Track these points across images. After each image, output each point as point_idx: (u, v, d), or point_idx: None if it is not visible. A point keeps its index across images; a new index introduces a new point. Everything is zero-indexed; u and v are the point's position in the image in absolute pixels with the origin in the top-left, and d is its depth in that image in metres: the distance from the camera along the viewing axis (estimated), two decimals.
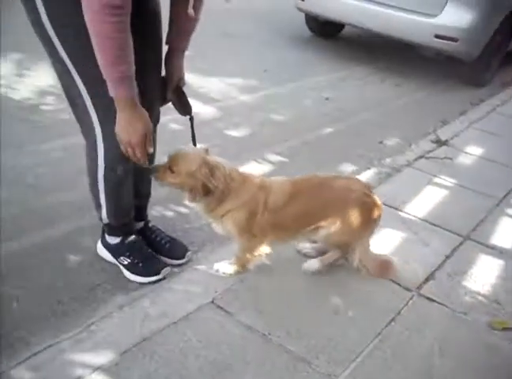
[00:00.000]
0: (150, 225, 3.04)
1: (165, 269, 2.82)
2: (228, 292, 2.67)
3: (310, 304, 2.67)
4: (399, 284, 2.87)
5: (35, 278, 2.78)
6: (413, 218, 3.49)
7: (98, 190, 2.64)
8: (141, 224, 3.01)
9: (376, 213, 2.73)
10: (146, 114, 2.25)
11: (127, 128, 2.21)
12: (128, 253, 2.82)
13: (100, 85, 2.21)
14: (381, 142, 4.95)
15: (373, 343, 2.47)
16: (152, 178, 2.50)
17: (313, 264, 2.84)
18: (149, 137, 2.28)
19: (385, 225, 3.31)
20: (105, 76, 2.06)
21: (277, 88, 5.90)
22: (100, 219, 2.77)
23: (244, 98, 5.54)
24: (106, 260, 2.92)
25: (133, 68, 2.07)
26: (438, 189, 3.91)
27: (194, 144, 2.64)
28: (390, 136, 5.12)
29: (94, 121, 2.39)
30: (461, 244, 3.28)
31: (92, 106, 2.34)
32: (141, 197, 2.92)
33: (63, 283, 2.77)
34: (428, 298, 2.79)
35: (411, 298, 2.78)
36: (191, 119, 2.56)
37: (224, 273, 2.79)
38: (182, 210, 3.50)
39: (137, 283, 2.80)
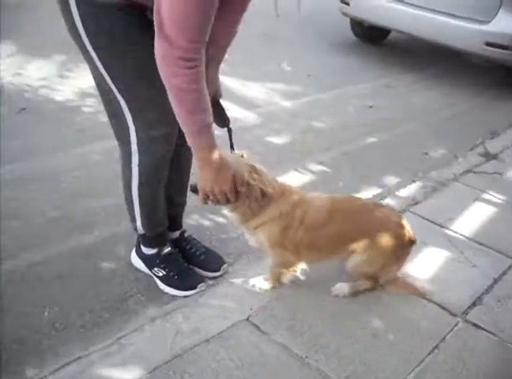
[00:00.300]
0: (186, 235, 2.96)
1: (201, 284, 2.74)
2: (264, 310, 2.57)
3: (349, 324, 2.54)
4: (444, 308, 2.71)
5: (67, 285, 2.74)
6: (459, 236, 3.32)
7: (132, 202, 2.58)
8: (177, 234, 2.93)
9: (409, 248, 2.67)
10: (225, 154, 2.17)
11: (216, 179, 2.13)
12: (163, 265, 2.74)
13: (135, 91, 2.16)
14: (426, 154, 4.77)
15: (414, 372, 2.33)
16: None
17: (342, 288, 2.71)
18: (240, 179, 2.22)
19: (430, 243, 3.18)
20: (182, 126, 2.02)
21: (320, 95, 5.77)
22: (135, 230, 2.71)
23: (286, 104, 5.43)
24: (139, 271, 2.86)
25: (211, 116, 2.02)
26: (487, 206, 3.72)
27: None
28: (436, 147, 4.93)
29: (130, 129, 2.33)
30: (510, 267, 3.10)
31: (128, 113, 2.28)
32: (177, 206, 2.85)
33: (95, 291, 2.72)
34: (475, 325, 2.63)
35: (456, 325, 2.62)
36: (229, 131, 2.46)
37: (260, 289, 2.69)
38: (220, 219, 3.41)
39: (170, 295, 2.73)
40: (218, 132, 2.70)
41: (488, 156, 4.50)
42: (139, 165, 2.43)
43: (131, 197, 2.56)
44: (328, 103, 5.65)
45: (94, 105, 4.57)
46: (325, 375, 2.26)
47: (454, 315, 2.68)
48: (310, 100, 5.62)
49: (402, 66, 7.06)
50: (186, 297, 2.71)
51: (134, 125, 2.32)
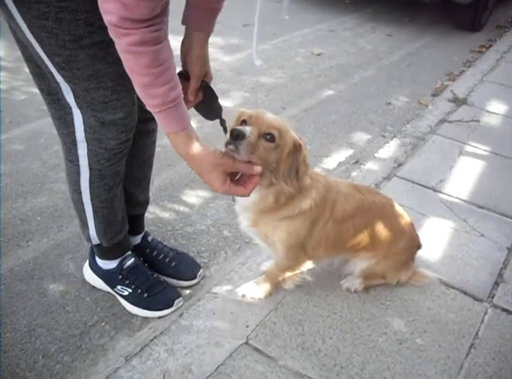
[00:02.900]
0: (149, 239, 2.39)
1: (178, 300, 2.21)
2: (264, 326, 2.08)
3: (367, 330, 2.11)
4: (466, 293, 2.33)
5: (7, 320, 2.14)
6: (456, 200, 2.94)
7: (82, 203, 2.00)
8: (138, 239, 2.37)
9: (416, 253, 2.31)
10: (207, 150, 1.63)
11: (197, 170, 1.67)
12: (128, 281, 2.19)
13: (78, 64, 1.62)
14: (389, 103, 4.35)
15: None
16: (237, 146, 1.64)
17: (355, 284, 2.28)
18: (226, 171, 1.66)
19: (429, 213, 2.79)
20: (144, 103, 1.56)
21: (262, 46, 5.17)
22: (88, 239, 2.13)
23: (227, 59, 4.82)
24: (97, 289, 2.29)
25: (177, 91, 1.53)
26: (474, 161, 3.36)
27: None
28: (396, 94, 4.53)
29: (73, 112, 1.77)
30: None
31: (69, 93, 1.71)
32: (138, 205, 2.28)
33: (45, 325, 2.14)
34: (505, 310, 2.27)
35: (485, 313, 2.24)
36: (222, 123, 1.88)
37: (252, 298, 2.19)
38: (181, 208, 2.86)
39: (141, 318, 2.19)
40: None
41: (458, 102, 4.13)
42: (88, 157, 1.86)
43: (81, 199, 1.99)
44: (272, 54, 5.09)
45: (7, 80, 3.79)
46: None
47: (480, 300, 2.30)
48: (252, 53, 5.02)
49: (343, 7, 6.56)
50: (161, 317, 2.18)
51: (78, 107, 1.74)
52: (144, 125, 2.00)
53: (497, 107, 4.12)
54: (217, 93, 1.92)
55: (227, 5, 1.84)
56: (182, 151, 1.61)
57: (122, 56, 1.45)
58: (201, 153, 1.61)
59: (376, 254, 2.14)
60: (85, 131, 1.80)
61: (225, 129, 1.84)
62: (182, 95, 1.57)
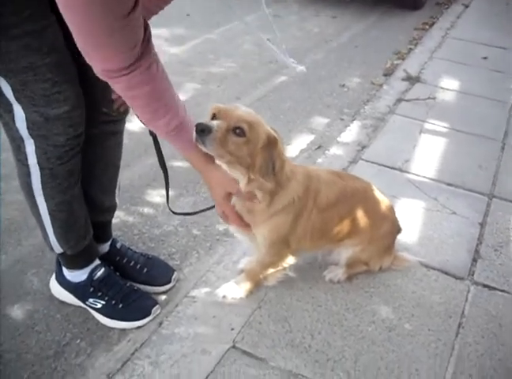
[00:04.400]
0: (118, 246, 2.26)
1: (155, 307, 2.10)
2: (249, 327, 1.99)
3: (356, 322, 2.05)
4: (447, 273, 2.31)
5: None
6: (424, 179, 2.93)
7: (37, 207, 1.86)
8: (106, 247, 2.23)
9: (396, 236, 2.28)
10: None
11: (210, 187, 1.80)
12: (100, 293, 2.06)
13: (11, 55, 1.50)
14: (342, 85, 4.31)
15: (451, 365, 1.91)
16: (204, 141, 1.59)
17: (338, 274, 2.22)
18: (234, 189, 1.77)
19: (399, 194, 2.76)
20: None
21: (208, 35, 5.06)
22: (51, 247, 1.97)
23: (175, 51, 4.67)
24: (67, 304, 2.14)
25: (177, 119, 1.59)
26: (435, 138, 3.36)
27: (162, 164, 1.91)
28: (349, 76, 4.50)
29: (14, 108, 1.64)
30: (488, 205, 2.77)
31: (6, 86, 1.58)
32: (104, 211, 2.15)
33: (14, 350, 1.98)
34: (487, 286, 2.26)
35: (468, 291, 2.23)
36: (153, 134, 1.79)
37: (233, 298, 2.10)
38: (146, 210, 2.73)
39: (118, 330, 2.06)
40: None
41: (411, 80, 4.13)
42: (37, 155, 1.72)
43: (35, 203, 1.84)
44: (220, 43, 4.97)
45: None
46: None
47: (461, 279, 2.29)
48: (199, 43, 4.90)
49: None
50: (139, 327, 2.06)
51: (19, 102, 1.61)
52: (108, 126, 1.87)
53: (450, 83, 4.15)
54: None
55: None
56: (198, 168, 1.74)
57: (126, 100, 1.54)
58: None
59: (361, 241, 2.09)
60: (28, 128, 1.66)
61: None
62: (188, 118, 1.62)
